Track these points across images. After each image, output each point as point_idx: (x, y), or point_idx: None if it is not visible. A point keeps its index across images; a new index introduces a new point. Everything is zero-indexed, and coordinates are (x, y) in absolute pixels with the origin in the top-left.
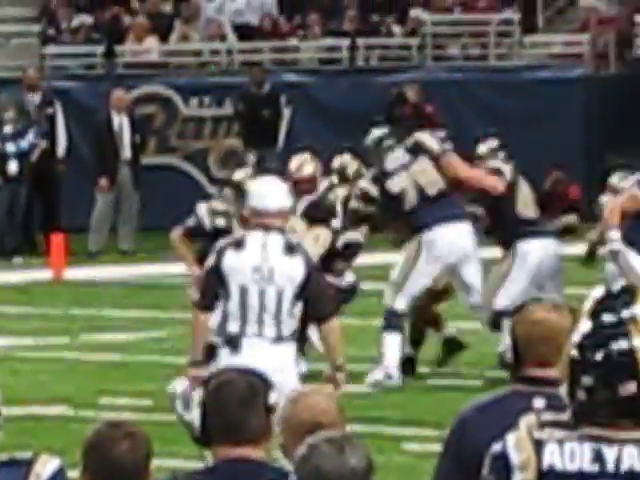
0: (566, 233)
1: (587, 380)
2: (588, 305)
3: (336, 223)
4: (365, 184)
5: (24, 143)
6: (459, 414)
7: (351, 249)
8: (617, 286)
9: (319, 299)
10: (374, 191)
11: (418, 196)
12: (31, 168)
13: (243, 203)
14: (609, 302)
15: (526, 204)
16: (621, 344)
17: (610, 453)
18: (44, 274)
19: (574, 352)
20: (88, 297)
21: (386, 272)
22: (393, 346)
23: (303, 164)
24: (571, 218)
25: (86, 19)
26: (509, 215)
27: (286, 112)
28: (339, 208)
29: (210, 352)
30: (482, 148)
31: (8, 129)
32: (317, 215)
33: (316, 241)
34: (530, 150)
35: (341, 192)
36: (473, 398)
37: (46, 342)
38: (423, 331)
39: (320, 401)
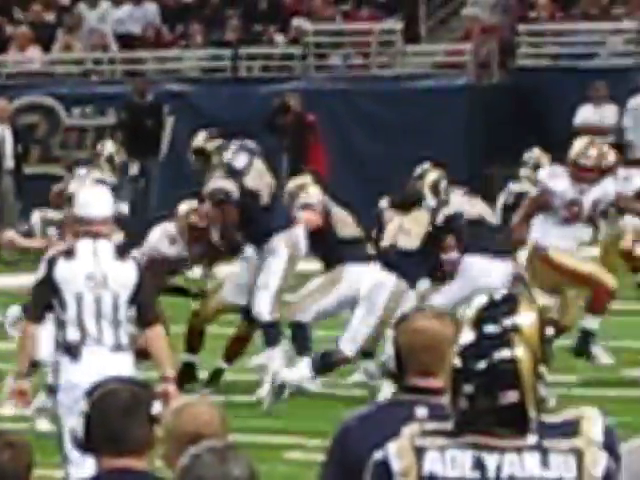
0: None
1: (468, 388)
2: (470, 313)
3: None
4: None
5: None
6: (342, 423)
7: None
8: (499, 294)
9: (146, 304)
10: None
11: None
12: None
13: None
14: (491, 311)
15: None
16: (503, 354)
17: (491, 460)
18: None
19: (456, 361)
20: None
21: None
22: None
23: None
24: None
25: None
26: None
27: (169, 121)
28: None
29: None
30: None
31: None
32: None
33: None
34: (412, 159)
35: None
36: (356, 408)
37: None
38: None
39: (204, 412)
